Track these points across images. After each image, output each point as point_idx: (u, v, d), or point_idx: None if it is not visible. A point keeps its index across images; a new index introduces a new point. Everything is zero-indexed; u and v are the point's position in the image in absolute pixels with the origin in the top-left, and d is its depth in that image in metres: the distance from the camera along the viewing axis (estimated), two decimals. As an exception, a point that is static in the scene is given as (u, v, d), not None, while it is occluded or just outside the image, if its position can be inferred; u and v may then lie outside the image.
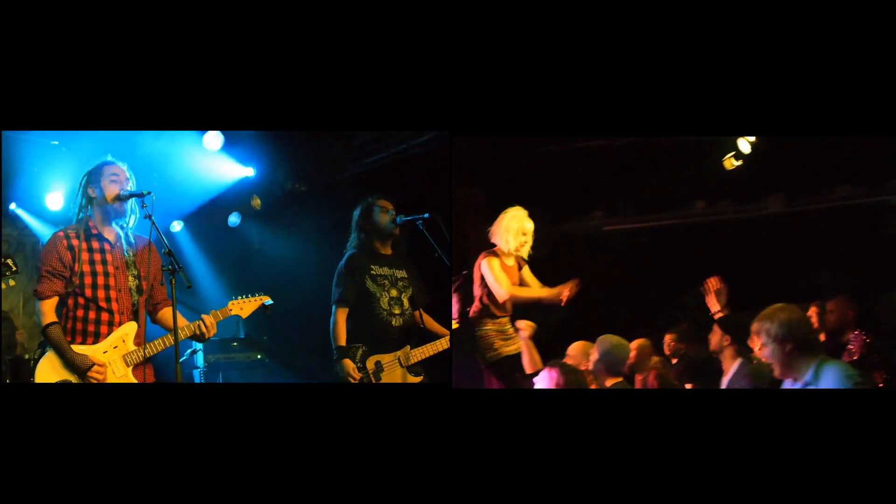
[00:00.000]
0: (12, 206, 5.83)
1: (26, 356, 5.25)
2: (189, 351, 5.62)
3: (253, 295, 3.57)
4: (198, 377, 5.63)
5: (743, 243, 5.73)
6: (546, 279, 4.60)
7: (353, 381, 3.87)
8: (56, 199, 5.64)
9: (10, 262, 3.23)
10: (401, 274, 4.17)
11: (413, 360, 4.02)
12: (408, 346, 4.04)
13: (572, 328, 4.53)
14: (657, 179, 5.80)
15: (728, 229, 5.93)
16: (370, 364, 3.94)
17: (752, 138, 5.19)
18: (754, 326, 3.05)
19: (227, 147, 5.90)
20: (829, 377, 2.87)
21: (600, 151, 5.61)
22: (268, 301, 3.56)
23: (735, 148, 5.31)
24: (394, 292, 4.10)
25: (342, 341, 3.96)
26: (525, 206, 4.39)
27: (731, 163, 5.40)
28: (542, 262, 4.56)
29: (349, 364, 3.89)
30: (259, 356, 5.84)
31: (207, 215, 6.47)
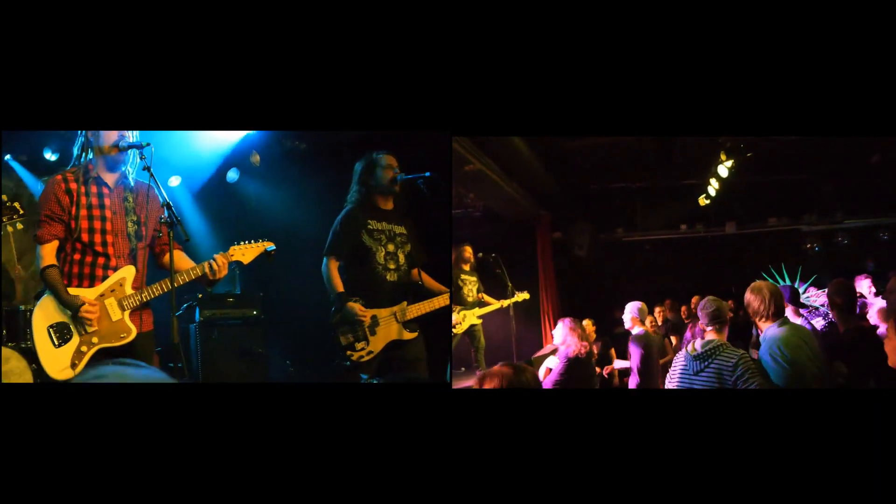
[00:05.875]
0: (7, 156, 5.74)
1: (22, 307, 5.23)
2: (185, 305, 5.62)
3: (256, 241, 3.53)
4: (193, 332, 5.62)
5: (710, 254, 9.14)
6: (587, 273, 9.00)
7: (362, 320, 3.87)
8: (53, 149, 5.59)
9: (16, 205, 3.23)
10: (399, 230, 4.15)
11: (409, 315, 4.01)
12: (404, 303, 4.03)
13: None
14: (658, 210, 9.16)
15: (700, 244, 9.27)
16: (366, 318, 3.92)
17: (717, 185, 7.48)
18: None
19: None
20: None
21: (626, 191, 9.09)
22: (270, 247, 3.52)
23: (706, 191, 7.85)
24: (391, 247, 4.08)
25: (341, 288, 3.96)
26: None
27: (703, 201, 8.08)
28: (586, 261, 8.70)
29: (356, 305, 3.89)
30: (255, 312, 5.80)
31: (206, 171, 6.43)
